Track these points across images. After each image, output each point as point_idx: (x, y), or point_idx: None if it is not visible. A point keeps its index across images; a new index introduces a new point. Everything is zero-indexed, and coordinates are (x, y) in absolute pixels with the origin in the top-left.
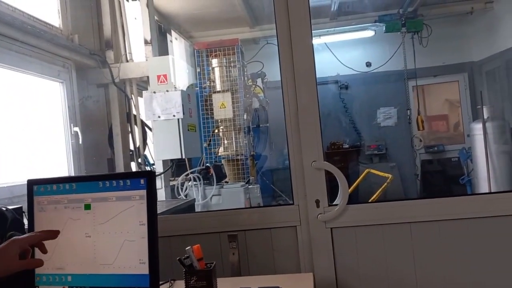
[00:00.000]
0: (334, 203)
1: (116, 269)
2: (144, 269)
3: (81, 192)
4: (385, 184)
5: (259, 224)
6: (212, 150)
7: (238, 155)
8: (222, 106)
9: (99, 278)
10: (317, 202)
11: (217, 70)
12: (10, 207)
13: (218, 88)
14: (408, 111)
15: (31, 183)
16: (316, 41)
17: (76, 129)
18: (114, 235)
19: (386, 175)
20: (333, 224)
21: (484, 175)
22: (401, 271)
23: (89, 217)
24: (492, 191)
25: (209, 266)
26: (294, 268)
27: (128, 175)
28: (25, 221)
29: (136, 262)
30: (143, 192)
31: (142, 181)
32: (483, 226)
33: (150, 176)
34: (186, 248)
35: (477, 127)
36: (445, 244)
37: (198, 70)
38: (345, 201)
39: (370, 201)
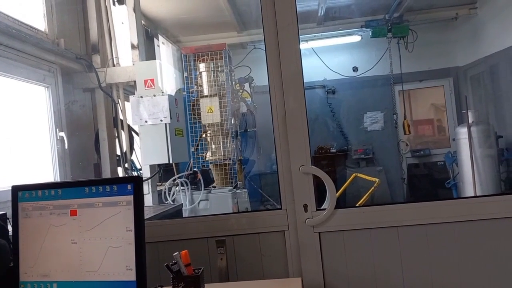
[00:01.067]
0: (322, 207)
1: (102, 275)
2: (131, 276)
3: (67, 198)
4: (372, 188)
5: (247, 229)
6: (200, 154)
7: (225, 159)
8: (210, 111)
9: (85, 285)
10: (305, 206)
11: (204, 75)
12: None
13: (206, 92)
14: (395, 115)
15: (16, 189)
16: (303, 46)
17: (62, 134)
18: (101, 242)
19: (374, 179)
20: (321, 229)
21: (469, 179)
22: (389, 275)
23: (75, 223)
24: (477, 194)
25: (197, 272)
26: (283, 273)
27: (115, 180)
28: (10, 228)
29: (123, 268)
30: (130, 198)
31: (129, 187)
32: (469, 230)
33: (137, 182)
34: (174, 254)
35: (463, 131)
36: (431, 248)
37: (185, 74)
38: (333, 205)
39: (357, 205)
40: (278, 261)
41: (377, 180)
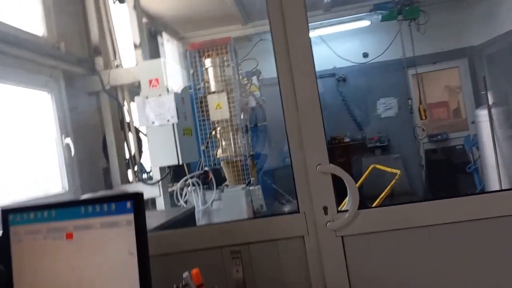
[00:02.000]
0: (343, 208)
1: None
2: None
3: (62, 220)
4: (394, 180)
5: (264, 236)
6: (211, 152)
7: (237, 156)
8: (218, 107)
9: None
10: (325, 208)
11: (210, 71)
12: None
13: (213, 88)
14: (409, 100)
15: (6, 212)
16: (310, 34)
17: (68, 140)
18: (101, 267)
19: (394, 171)
20: (344, 232)
21: (492, 162)
22: (421, 280)
23: (72, 247)
24: (501, 177)
25: None
26: (304, 282)
27: (112, 198)
28: None
29: None
30: (131, 217)
31: (128, 204)
32: (509, 226)
33: (137, 198)
34: (184, 275)
35: (482, 113)
36: (466, 248)
37: (191, 71)
38: (356, 206)
39: (377, 201)
40: (299, 269)
41: (398, 171)
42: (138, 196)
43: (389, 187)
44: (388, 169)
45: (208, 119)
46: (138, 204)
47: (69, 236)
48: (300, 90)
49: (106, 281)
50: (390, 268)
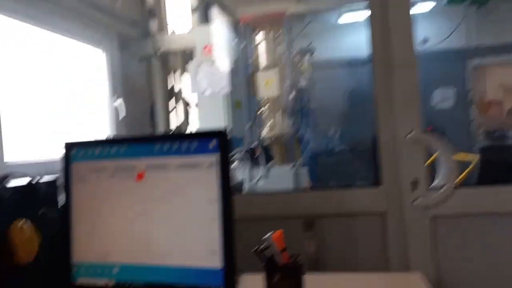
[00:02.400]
0: (435, 184)
1: (177, 260)
2: (215, 261)
3: (132, 157)
4: (471, 166)
5: (337, 209)
6: (256, 130)
7: (283, 136)
8: (268, 84)
9: (155, 271)
10: (414, 183)
11: (262, 46)
12: (42, 179)
13: (263, 64)
14: (470, 92)
15: (70, 146)
16: (365, 16)
17: (119, 101)
18: (175, 215)
19: (470, 156)
20: (435, 212)
21: None
22: None
23: (142, 190)
24: None
25: (296, 260)
26: (381, 263)
27: (194, 135)
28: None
29: (204, 251)
30: (213, 158)
31: (211, 144)
32: None
33: (222, 137)
34: (265, 236)
35: None
36: None
37: (242, 45)
38: (452, 183)
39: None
40: (376, 248)
41: (477, 156)
42: (223, 134)
43: (467, 170)
44: (462, 156)
45: (256, 96)
46: (224, 144)
47: (140, 176)
48: (396, 44)
49: (179, 230)
50: (489, 257)
